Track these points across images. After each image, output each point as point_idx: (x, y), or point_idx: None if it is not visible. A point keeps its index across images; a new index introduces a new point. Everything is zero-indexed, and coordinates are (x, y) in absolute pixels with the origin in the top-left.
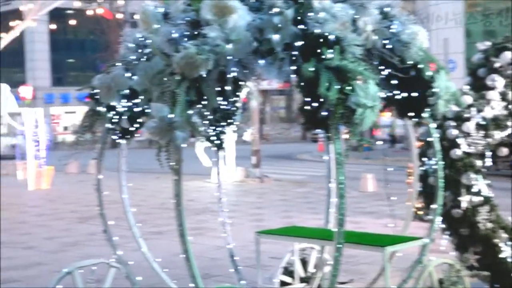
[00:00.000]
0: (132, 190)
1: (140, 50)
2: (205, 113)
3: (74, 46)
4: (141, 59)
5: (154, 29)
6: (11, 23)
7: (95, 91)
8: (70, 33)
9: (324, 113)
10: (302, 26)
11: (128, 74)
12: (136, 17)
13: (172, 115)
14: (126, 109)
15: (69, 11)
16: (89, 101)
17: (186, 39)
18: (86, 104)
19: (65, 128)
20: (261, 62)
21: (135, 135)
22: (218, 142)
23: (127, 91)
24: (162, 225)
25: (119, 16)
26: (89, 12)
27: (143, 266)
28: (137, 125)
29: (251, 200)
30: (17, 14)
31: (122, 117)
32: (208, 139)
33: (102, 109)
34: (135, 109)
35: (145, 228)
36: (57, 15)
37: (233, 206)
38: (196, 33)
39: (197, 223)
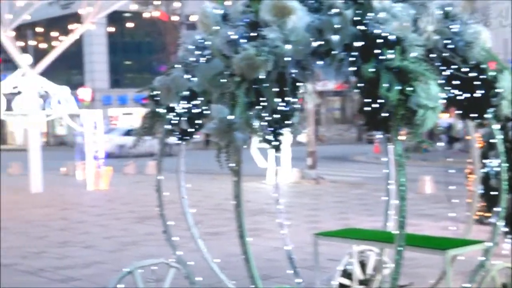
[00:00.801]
0: (188, 191)
1: (199, 52)
2: (263, 114)
3: (131, 49)
4: (201, 61)
5: (213, 31)
6: (70, 26)
7: (155, 92)
8: (127, 35)
9: (384, 114)
10: (361, 27)
11: (188, 76)
12: (192, 19)
13: (232, 116)
14: (185, 110)
15: (126, 14)
16: (149, 103)
17: (245, 40)
18: (144, 105)
19: None
20: (320, 63)
21: (194, 136)
22: (276, 143)
23: (186, 93)
24: (218, 226)
25: (175, 18)
26: (146, 15)
27: (201, 266)
28: (196, 127)
29: (307, 201)
30: (76, 18)
31: (182, 119)
32: (266, 140)
33: (162, 110)
34: (194, 111)
35: (202, 228)
36: (114, 18)
37: (288, 208)
38: (255, 34)
39: (253, 224)
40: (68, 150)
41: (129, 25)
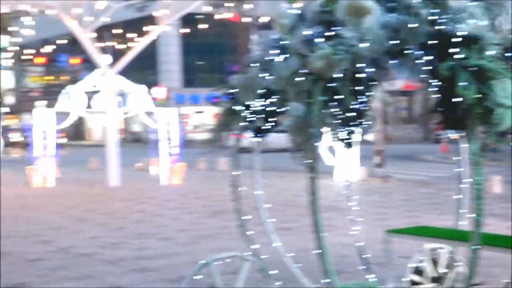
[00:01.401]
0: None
1: (275, 51)
2: (337, 112)
3: (203, 49)
4: (277, 60)
5: (289, 31)
6: (146, 28)
7: (232, 90)
8: (199, 36)
9: (461, 113)
10: (438, 26)
11: (264, 74)
12: (263, 20)
13: (308, 114)
14: (261, 108)
15: (199, 16)
16: (226, 100)
17: (321, 39)
18: (219, 103)
19: (195, 127)
20: (394, 61)
21: (269, 133)
22: (349, 141)
23: (262, 91)
24: (288, 222)
25: (246, 19)
26: (218, 17)
27: (273, 260)
28: (271, 124)
29: (375, 199)
30: (151, 20)
31: (257, 116)
32: (339, 138)
33: (238, 107)
34: (270, 108)
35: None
36: (187, 19)
37: (357, 205)
38: (331, 33)
39: (322, 221)
40: (142, 146)
41: (202, 26)
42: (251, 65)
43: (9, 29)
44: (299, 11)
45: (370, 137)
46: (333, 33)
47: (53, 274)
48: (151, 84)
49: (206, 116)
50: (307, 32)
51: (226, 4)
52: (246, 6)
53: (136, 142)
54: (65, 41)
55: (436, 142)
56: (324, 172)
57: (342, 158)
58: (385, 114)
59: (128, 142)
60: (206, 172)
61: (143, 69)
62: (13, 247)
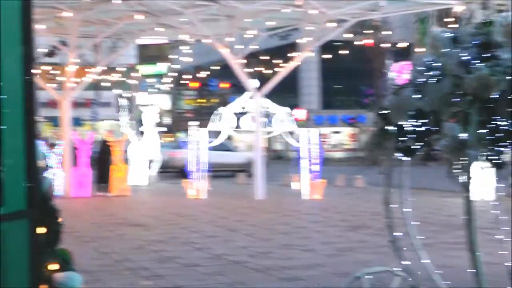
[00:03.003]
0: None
1: (428, 73)
2: (490, 132)
3: (340, 73)
4: (430, 81)
5: (443, 53)
6: (289, 54)
7: (384, 111)
8: (337, 61)
9: None
10: None
11: (417, 96)
12: (399, 46)
13: (464, 134)
14: (412, 128)
15: (337, 43)
16: (378, 121)
17: (477, 61)
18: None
19: (333, 146)
20: None
21: (418, 153)
22: (499, 161)
23: (414, 112)
24: (426, 238)
25: (382, 45)
26: (356, 43)
27: (421, 277)
28: (422, 144)
29: None
30: (293, 47)
31: (409, 136)
32: (487, 158)
33: (391, 128)
34: (421, 129)
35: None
36: (326, 46)
37: (493, 224)
38: (488, 55)
39: (459, 238)
40: (284, 163)
41: (340, 52)
42: (405, 86)
43: (169, 56)
44: (452, 34)
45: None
46: (489, 54)
47: (209, 279)
48: (292, 106)
49: (343, 136)
50: (463, 54)
51: (364, 31)
52: (383, 33)
53: (278, 159)
54: (217, 67)
55: None
56: (456, 191)
57: (479, 177)
58: None
59: (271, 159)
60: (345, 188)
61: (285, 92)
62: (173, 253)
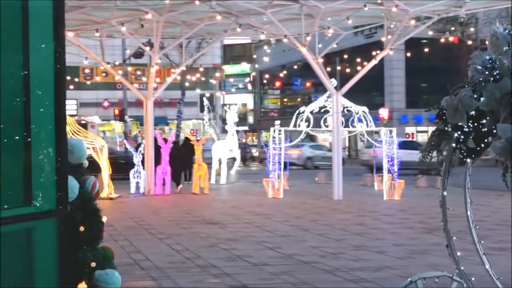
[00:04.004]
0: (476, 206)
1: (488, 72)
2: None
3: (426, 72)
4: (489, 81)
5: (504, 51)
6: (372, 53)
7: (443, 111)
8: (423, 59)
9: None
10: None
11: (475, 95)
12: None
13: None
14: (472, 129)
15: (423, 41)
16: (437, 121)
17: None
18: (436, 124)
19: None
20: None
21: (481, 154)
22: None
23: (473, 112)
24: (504, 242)
25: (470, 42)
26: (441, 40)
27: (484, 281)
28: (482, 145)
29: None
30: (378, 45)
31: (468, 137)
32: None
33: (449, 129)
34: (481, 129)
35: (487, 243)
36: (412, 44)
37: None
38: None
39: None
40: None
41: (425, 50)
42: (464, 86)
43: (253, 56)
44: None
45: None
46: None
47: (275, 278)
48: (377, 105)
49: (429, 135)
50: None
51: (450, 28)
52: (470, 29)
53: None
54: (299, 66)
55: None
56: None
57: None
58: None
59: (351, 159)
60: (425, 189)
61: (370, 91)
62: (244, 251)
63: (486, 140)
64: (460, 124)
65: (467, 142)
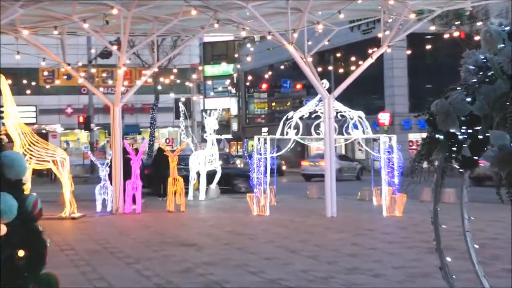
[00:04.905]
0: (488, 222)
1: (482, 73)
2: None
3: (431, 71)
4: (483, 83)
5: (498, 50)
6: (369, 51)
7: (434, 117)
8: (428, 57)
9: None
10: None
11: (468, 99)
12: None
13: None
14: (466, 136)
15: (426, 36)
16: (428, 128)
17: None
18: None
19: None
20: None
21: (478, 165)
22: None
23: (467, 117)
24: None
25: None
26: (446, 36)
27: None
28: (479, 154)
29: None
30: (375, 42)
31: (463, 145)
32: None
33: (440, 136)
34: (477, 136)
35: (498, 264)
36: (414, 40)
37: None
38: None
39: None
40: (366, 174)
41: (429, 46)
42: (456, 88)
43: (236, 56)
44: (510, 28)
45: None
46: None
47: None
48: (376, 109)
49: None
50: None
51: (456, 22)
52: (479, 24)
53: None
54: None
55: None
56: None
57: None
58: None
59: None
60: (430, 203)
61: (369, 94)
62: (222, 277)
63: (485, 149)
64: (453, 131)
65: (461, 151)
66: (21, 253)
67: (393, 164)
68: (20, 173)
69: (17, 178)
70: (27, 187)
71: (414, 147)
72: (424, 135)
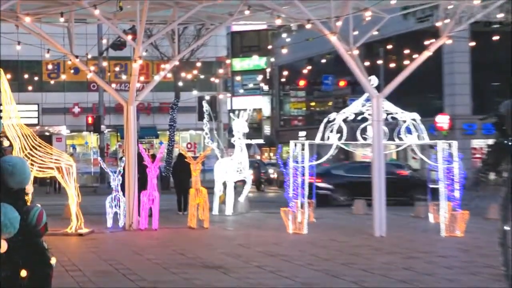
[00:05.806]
0: None
1: None
2: None
3: (499, 67)
4: None
5: None
6: (426, 42)
7: (503, 120)
8: (494, 51)
9: None
10: None
11: None
12: None
13: None
14: None
15: (493, 26)
16: (495, 133)
17: None
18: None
19: None
20: None
21: None
22: None
23: None
24: None
25: None
26: None
27: None
28: None
29: None
30: (433, 31)
31: None
32: None
33: (509, 143)
34: None
35: None
36: (479, 30)
37: None
38: None
39: None
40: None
41: (497, 38)
42: None
43: (269, 47)
44: None
45: None
46: None
47: None
48: (434, 111)
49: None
50: None
51: None
52: None
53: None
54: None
55: None
56: None
57: None
58: None
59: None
60: (498, 222)
61: (425, 93)
62: None
63: None
64: None
65: None
66: (23, 273)
67: (453, 175)
68: (23, 181)
69: (19, 187)
70: (29, 198)
71: (478, 155)
72: (491, 141)
